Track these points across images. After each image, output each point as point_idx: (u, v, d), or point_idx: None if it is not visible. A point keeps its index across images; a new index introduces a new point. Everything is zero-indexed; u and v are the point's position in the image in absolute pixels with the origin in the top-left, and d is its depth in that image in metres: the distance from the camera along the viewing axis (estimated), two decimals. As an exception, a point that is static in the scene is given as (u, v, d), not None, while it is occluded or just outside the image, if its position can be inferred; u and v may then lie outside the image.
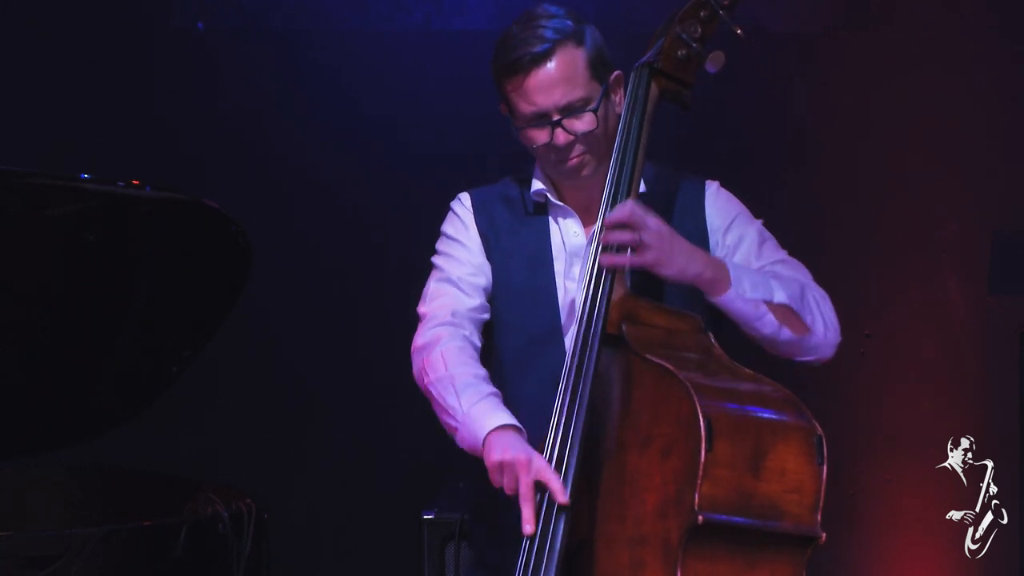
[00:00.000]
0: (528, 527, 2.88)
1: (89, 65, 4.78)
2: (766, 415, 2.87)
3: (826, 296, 3.20)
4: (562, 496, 2.88)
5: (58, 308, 3.77)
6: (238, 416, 4.80)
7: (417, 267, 3.48)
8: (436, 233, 3.44)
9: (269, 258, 4.16)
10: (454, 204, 3.36)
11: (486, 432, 2.98)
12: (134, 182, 3.69)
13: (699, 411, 2.78)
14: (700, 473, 2.76)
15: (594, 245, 3.07)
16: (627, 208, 3.01)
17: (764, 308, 3.08)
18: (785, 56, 4.62)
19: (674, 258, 3.02)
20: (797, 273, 3.22)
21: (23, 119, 4.75)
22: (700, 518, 2.75)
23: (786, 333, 3.11)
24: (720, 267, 3.07)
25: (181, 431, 4.70)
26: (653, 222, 3.01)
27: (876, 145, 4.68)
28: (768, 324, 3.09)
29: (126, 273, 3.81)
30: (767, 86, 4.61)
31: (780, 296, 3.09)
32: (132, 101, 4.79)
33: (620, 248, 3.01)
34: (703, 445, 2.76)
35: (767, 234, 3.28)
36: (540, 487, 2.90)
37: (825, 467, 2.86)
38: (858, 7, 4.68)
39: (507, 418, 3.00)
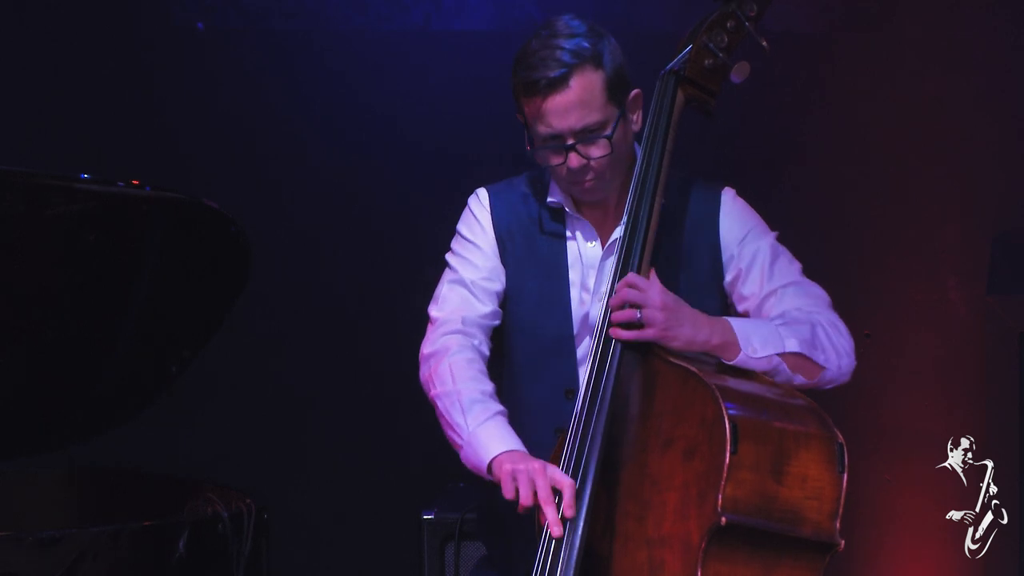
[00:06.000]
0: (556, 530, 2.88)
1: (89, 65, 4.78)
2: (789, 421, 2.88)
3: (837, 323, 3.18)
4: (570, 511, 2.88)
5: (58, 308, 3.77)
6: (238, 416, 4.80)
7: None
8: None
9: (269, 258, 4.16)
10: (471, 202, 3.35)
11: (492, 456, 2.99)
12: (134, 182, 3.70)
13: (724, 414, 2.79)
14: (724, 475, 2.77)
15: (615, 257, 3.07)
16: (623, 289, 3.01)
17: (777, 360, 3.07)
18: (785, 56, 4.62)
19: (680, 330, 3.01)
20: (807, 301, 3.20)
21: (23, 119, 4.75)
22: (723, 519, 2.76)
23: (800, 379, 3.11)
24: (727, 330, 3.05)
25: (181, 431, 4.70)
26: (655, 297, 3.01)
27: (876, 145, 4.68)
28: (782, 374, 3.09)
29: (126, 273, 3.81)
30: (767, 86, 4.61)
31: (791, 345, 3.08)
32: (132, 101, 4.79)
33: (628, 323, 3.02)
34: (728, 447, 2.78)
35: (780, 249, 3.27)
36: (555, 492, 2.90)
37: (846, 475, 2.88)
38: (858, 7, 4.68)
39: (514, 443, 3.01)
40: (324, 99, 4.84)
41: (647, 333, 3.00)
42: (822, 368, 3.12)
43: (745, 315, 3.23)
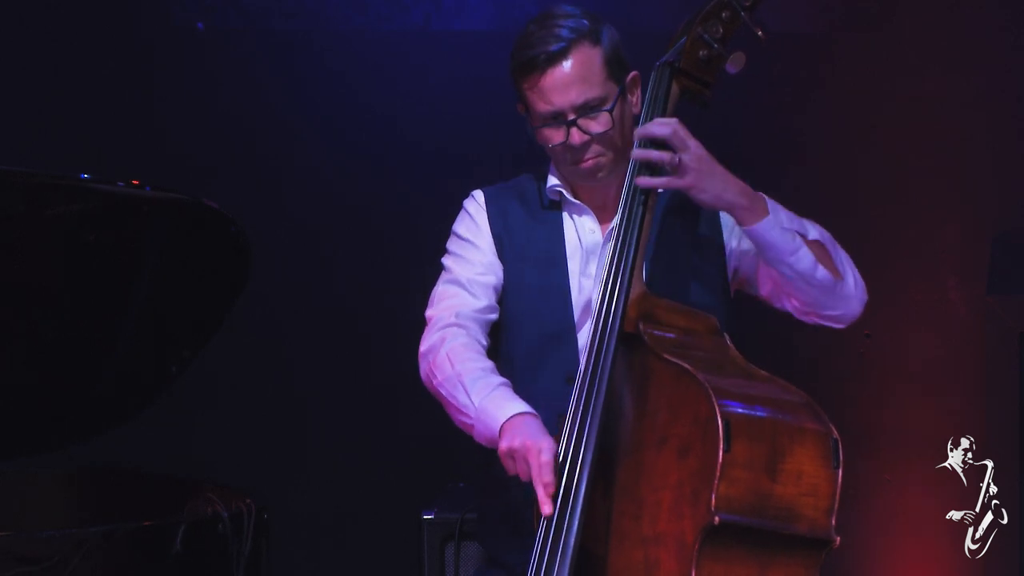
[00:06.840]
0: (546, 508, 2.88)
1: (89, 65, 4.78)
2: (783, 418, 2.86)
3: (849, 259, 3.22)
4: (547, 508, 2.88)
5: (58, 308, 3.77)
6: (238, 416, 4.80)
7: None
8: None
9: (269, 258, 4.16)
10: (467, 202, 3.36)
11: (500, 423, 2.99)
12: (134, 182, 3.70)
13: (717, 412, 2.78)
14: (717, 473, 2.76)
15: (611, 243, 3.06)
16: (670, 126, 3.01)
17: (800, 241, 3.09)
18: (785, 56, 4.62)
19: (712, 183, 3.02)
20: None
21: (23, 119, 4.75)
22: (716, 519, 2.74)
23: (822, 272, 3.11)
24: (757, 198, 3.08)
25: (181, 431, 4.70)
26: (694, 144, 3.01)
27: (876, 145, 4.68)
28: (803, 259, 3.09)
29: (126, 273, 3.81)
30: (767, 86, 4.61)
31: (814, 233, 3.11)
32: (132, 101, 4.79)
33: (657, 170, 3.01)
34: (721, 445, 2.76)
35: None
36: (559, 471, 2.90)
37: (841, 471, 2.86)
38: (858, 7, 4.68)
39: (520, 406, 3.01)
40: (324, 99, 4.84)
41: (681, 181, 3.00)
42: (840, 275, 3.13)
43: (753, 280, 3.27)
